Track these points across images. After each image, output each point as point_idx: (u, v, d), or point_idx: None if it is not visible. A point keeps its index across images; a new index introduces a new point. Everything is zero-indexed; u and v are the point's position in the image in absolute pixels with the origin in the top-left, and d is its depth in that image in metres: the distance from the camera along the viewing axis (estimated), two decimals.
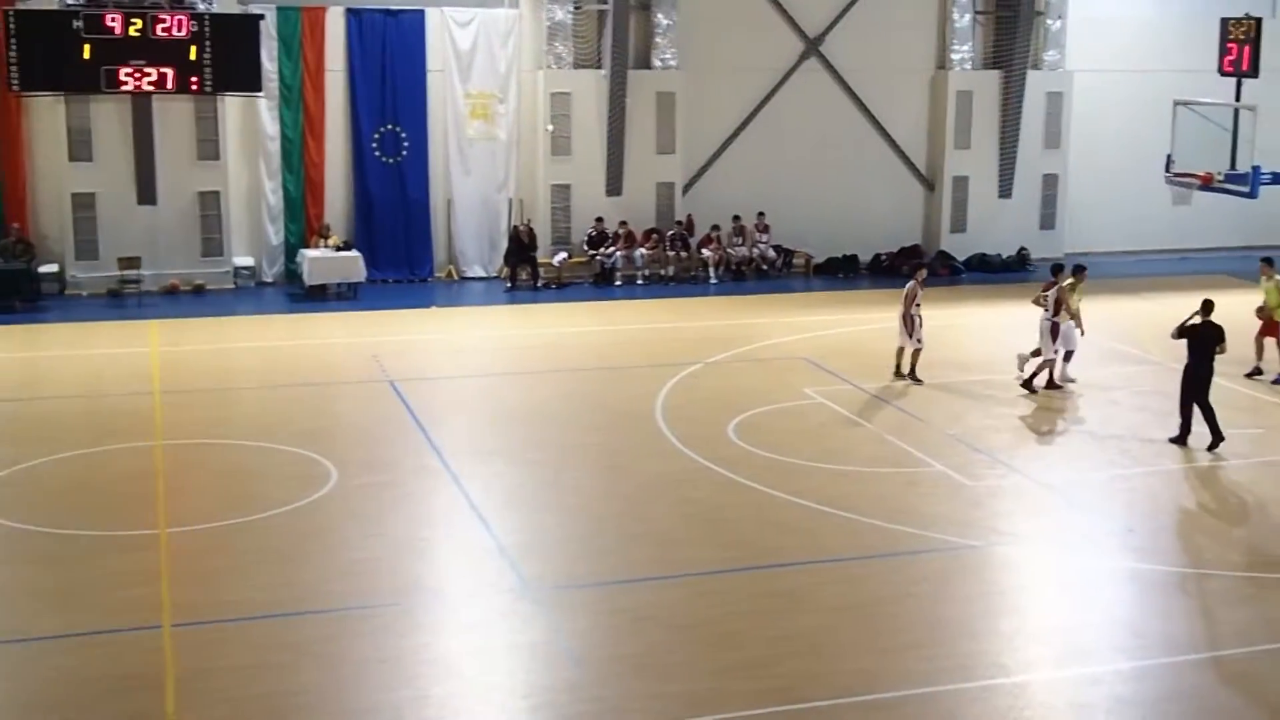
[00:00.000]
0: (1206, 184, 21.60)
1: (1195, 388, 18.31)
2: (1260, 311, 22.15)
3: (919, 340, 21.76)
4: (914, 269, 22.86)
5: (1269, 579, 14.32)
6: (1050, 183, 34.22)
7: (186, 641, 12.55)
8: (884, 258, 32.96)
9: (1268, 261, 22.54)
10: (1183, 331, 18.43)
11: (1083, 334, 21.90)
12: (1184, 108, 22.43)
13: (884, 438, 19.06)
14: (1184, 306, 28.14)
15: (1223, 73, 22.41)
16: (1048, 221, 34.37)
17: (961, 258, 33.29)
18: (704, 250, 31.62)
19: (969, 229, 33.75)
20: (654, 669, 12.12)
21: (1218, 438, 18.34)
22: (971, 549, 15.05)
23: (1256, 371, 22.18)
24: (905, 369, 22.01)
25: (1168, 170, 22.47)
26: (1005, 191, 33.78)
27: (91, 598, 13.59)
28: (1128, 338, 24.11)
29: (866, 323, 26.62)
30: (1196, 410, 18.38)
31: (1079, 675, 12.13)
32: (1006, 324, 26.30)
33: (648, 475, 17.51)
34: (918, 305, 21.81)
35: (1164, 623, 13.28)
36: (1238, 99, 21.66)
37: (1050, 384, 21.45)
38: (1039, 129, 33.85)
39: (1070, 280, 21.65)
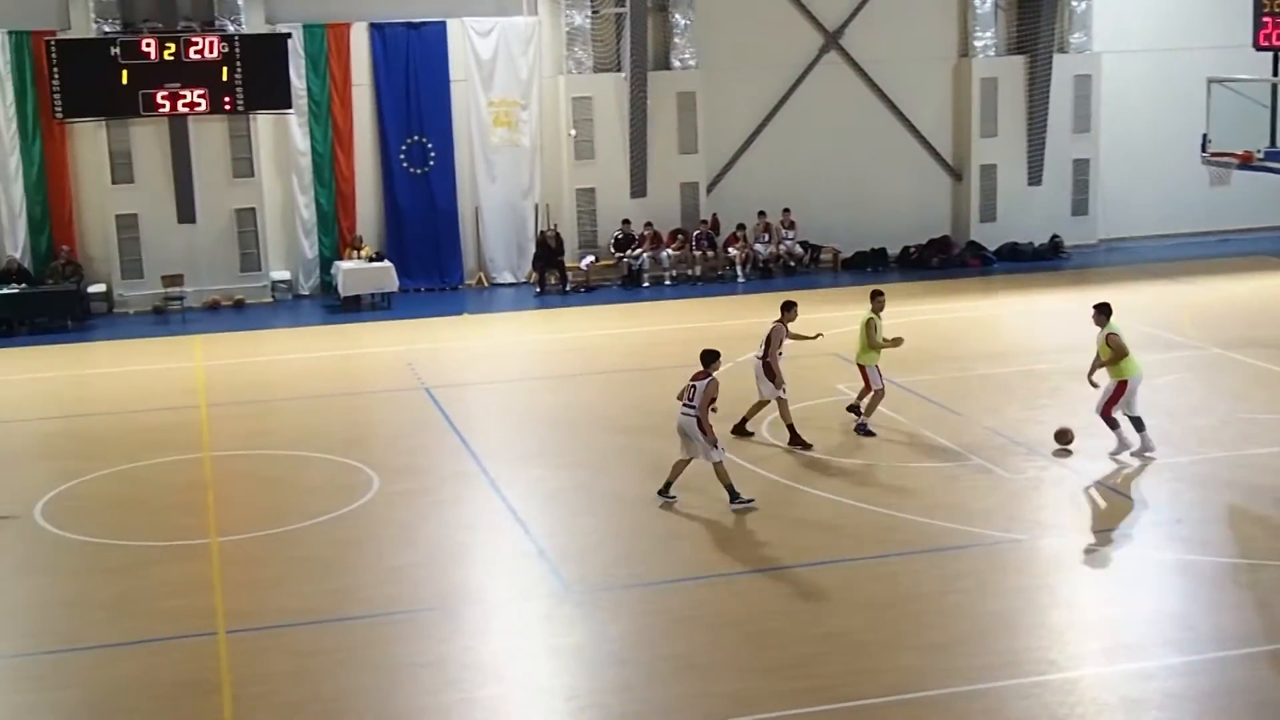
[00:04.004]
0: (1246, 163, 21.20)
1: None
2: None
3: (784, 389, 18.70)
4: (787, 307, 19.01)
5: None
6: (1081, 168, 34.10)
7: (239, 648, 12.77)
8: (913, 250, 32.94)
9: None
10: None
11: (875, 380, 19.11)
12: (1219, 85, 22.05)
13: (920, 432, 19.07)
14: (1226, 290, 27.94)
15: (1258, 47, 22.02)
16: (1080, 208, 34.28)
17: (992, 247, 33.25)
18: (730, 249, 31.68)
19: (999, 218, 33.68)
20: (698, 669, 12.20)
21: None
22: (1014, 543, 15.02)
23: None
24: (753, 418, 19.10)
25: (1204, 150, 22.07)
26: (1035, 179, 33.68)
27: (149, 606, 13.84)
28: (1166, 323, 23.98)
29: (897, 316, 26.39)
30: None
31: (1130, 670, 12.03)
32: (1040, 313, 26.27)
33: (683, 475, 17.54)
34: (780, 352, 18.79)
35: (1215, 615, 13.08)
36: (1275, 74, 21.30)
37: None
38: (1068, 113, 33.73)
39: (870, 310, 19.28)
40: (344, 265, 29.59)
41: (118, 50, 27.91)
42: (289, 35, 29.45)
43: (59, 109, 28.21)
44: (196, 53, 28.20)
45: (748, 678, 11.98)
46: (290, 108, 29.59)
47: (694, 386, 16.23)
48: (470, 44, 30.96)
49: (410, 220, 31.10)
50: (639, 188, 31.64)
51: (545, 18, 31.30)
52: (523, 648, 12.87)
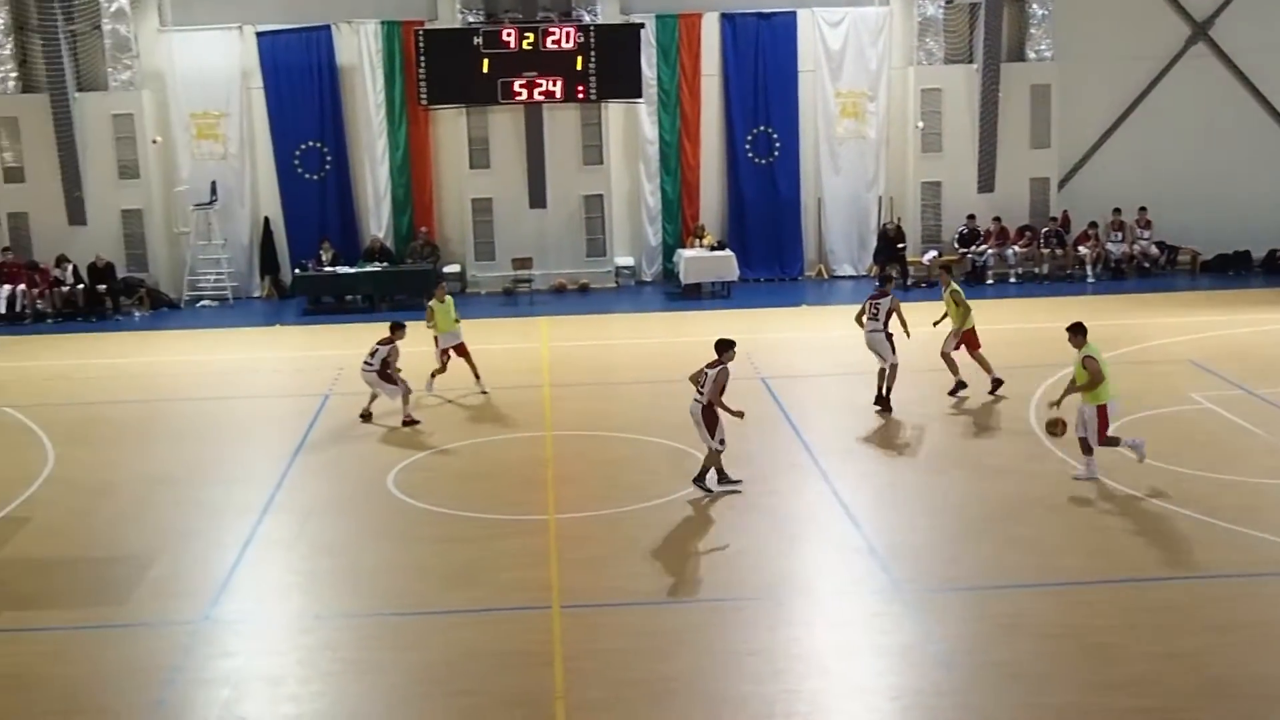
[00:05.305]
0: None
1: None
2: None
3: (897, 356, 20.26)
4: (886, 279, 20.83)
5: None
6: None
7: (572, 623, 13.18)
8: None
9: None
10: None
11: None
12: None
13: (1277, 447, 18.02)
14: None
15: None
16: None
17: None
18: (1080, 247, 30.69)
19: None
20: (1026, 678, 11.90)
21: None
22: None
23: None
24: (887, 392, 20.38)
25: None
26: None
27: (489, 576, 14.44)
28: None
29: (1261, 324, 25.22)
30: None
31: None
32: None
33: (1020, 478, 17.17)
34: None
35: None
36: None
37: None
38: None
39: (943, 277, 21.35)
40: (686, 253, 30.11)
41: (480, 40, 29.19)
42: (642, 25, 30.14)
43: (424, 95, 29.73)
44: (554, 42, 29.21)
45: (1080, 691, 11.61)
46: (640, 97, 30.27)
47: (705, 373, 16.49)
48: (820, 34, 30.96)
49: (753, 210, 31.37)
50: (987, 182, 31.02)
51: (896, 8, 31.01)
52: (849, 643, 12.83)
